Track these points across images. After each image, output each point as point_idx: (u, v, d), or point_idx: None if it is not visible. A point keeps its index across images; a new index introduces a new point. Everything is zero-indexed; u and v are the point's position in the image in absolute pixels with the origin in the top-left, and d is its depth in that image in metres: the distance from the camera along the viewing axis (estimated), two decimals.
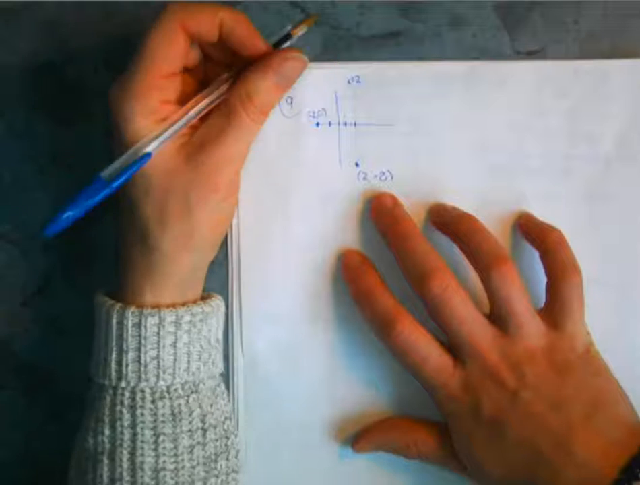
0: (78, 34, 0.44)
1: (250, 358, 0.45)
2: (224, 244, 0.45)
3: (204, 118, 0.40)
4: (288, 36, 0.41)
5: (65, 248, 0.45)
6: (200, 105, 0.39)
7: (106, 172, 0.38)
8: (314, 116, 0.44)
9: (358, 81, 0.44)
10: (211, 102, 0.40)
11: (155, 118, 0.38)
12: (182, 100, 0.40)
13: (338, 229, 0.45)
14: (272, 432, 0.45)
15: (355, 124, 0.44)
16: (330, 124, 0.44)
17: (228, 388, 0.45)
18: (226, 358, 0.44)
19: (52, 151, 0.45)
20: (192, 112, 0.39)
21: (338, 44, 0.44)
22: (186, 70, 0.41)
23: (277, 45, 0.40)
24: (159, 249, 0.39)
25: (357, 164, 0.45)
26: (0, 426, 0.46)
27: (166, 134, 0.38)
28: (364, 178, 0.45)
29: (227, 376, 0.45)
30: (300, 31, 0.41)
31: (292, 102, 0.44)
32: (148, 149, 0.38)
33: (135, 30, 0.43)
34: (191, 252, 0.40)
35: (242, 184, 0.44)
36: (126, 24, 0.44)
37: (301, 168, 0.44)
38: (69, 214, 0.37)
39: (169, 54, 0.38)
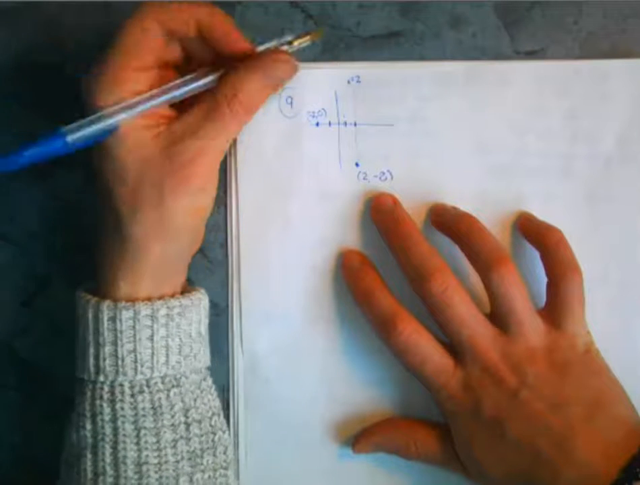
0: (78, 34, 0.44)
1: (250, 358, 0.45)
2: (224, 244, 0.45)
3: (182, 110, 0.39)
4: (287, 44, 0.40)
5: (65, 248, 0.45)
6: (177, 91, 0.39)
7: (69, 128, 0.38)
8: (314, 116, 0.44)
9: (358, 81, 0.44)
10: (189, 90, 0.39)
11: None
12: None
13: (338, 229, 0.45)
14: (272, 432, 0.45)
15: (355, 124, 0.44)
16: (330, 124, 0.44)
17: (227, 388, 0.45)
18: (226, 358, 0.45)
19: None
20: (165, 96, 0.39)
21: (338, 44, 0.44)
22: (168, 65, 0.40)
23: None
24: (130, 237, 0.39)
25: (357, 164, 0.45)
26: None
27: (138, 107, 0.38)
28: (364, 178, 0.45)
29: (227, 376, 0.45)
30: (303, 43, 0.41)
31: (292, 102, 0.44)
32: (115, 119, 0.38)
33: None
34: (163, 241, 0.39)
35: (242, 184, 0.44)
36: None
37: (301, 168, 0.44)
38: (16, 158, 0.37)
39: (142, 47, 0.38)
